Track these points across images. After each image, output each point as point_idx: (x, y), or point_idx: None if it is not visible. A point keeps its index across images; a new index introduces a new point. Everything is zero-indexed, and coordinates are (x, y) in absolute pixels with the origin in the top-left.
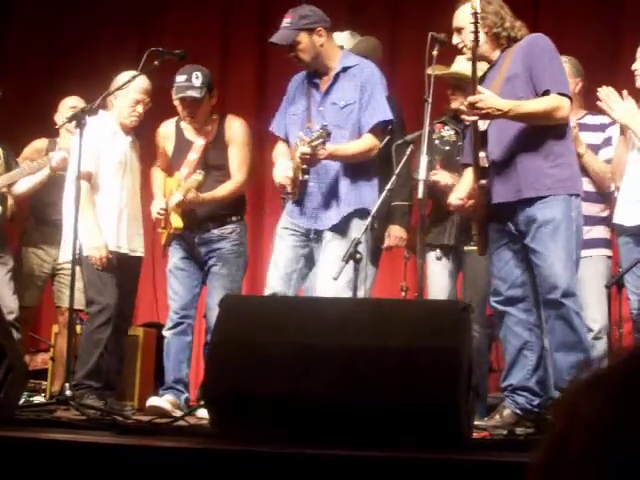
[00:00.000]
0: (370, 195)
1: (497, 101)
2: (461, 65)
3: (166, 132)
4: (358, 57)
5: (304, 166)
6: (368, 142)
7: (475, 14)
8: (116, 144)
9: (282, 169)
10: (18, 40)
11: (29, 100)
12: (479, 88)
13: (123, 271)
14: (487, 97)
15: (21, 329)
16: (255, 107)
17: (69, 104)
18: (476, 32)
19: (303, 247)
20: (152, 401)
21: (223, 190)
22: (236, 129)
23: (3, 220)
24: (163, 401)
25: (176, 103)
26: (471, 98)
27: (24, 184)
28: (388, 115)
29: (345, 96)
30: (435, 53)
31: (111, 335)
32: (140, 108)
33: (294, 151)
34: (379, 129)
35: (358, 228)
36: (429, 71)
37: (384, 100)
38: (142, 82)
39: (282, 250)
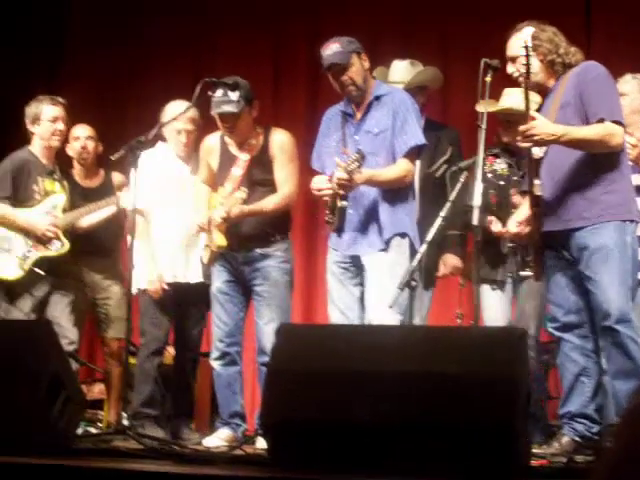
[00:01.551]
0: (408, 219)
1: (550, 127)
2: (511, 99)
3: (210, 146)
4: (389, 86)
5: (340, 189)
6: (403, 167)
7: (526, 47)
8: (173, 175)
9: (318, 179)
10: (70, 70)
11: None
12: (532, 114)
13: (184, 301)
14: (540, 123)
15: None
16: (306, 130)
17: (74, 134)
18: (528, 64)
19: (354, 278)
20: (208, 442)
21: (268, 203)
22: (281, 143)
23: (67, 254)
24: (218, 440)
25: (215, 118)
26: (523, 127)
27: (89, 220)
28: (421, 140)
29: (378, 123)
30: (488, 79)
31: (176, 365)
32: (183, 138)
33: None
34: (413, 154)
35: (399, 252)
36: (479, 108)
37: (417, 125)
38: (186, 112)
39: (337, 287)
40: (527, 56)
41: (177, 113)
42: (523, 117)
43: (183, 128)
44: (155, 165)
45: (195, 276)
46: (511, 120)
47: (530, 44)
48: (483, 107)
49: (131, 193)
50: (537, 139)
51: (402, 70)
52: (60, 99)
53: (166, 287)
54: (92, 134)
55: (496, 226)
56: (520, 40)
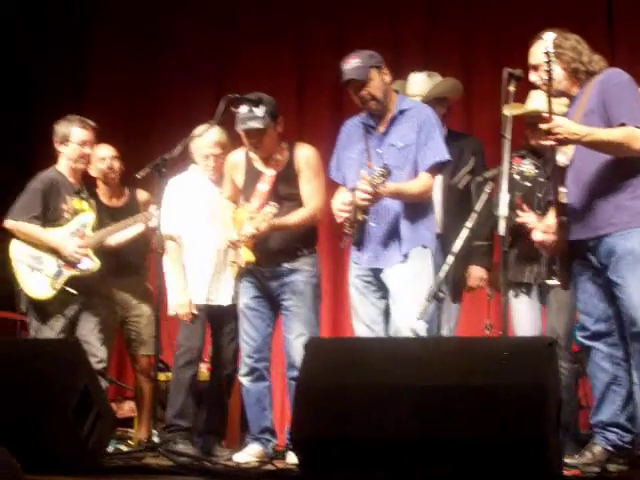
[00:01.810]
0: (428, 233)
1: (573, 126)
2: (536, 102)
3: (235, 162)
4: (413, 100)
5: (364, 202)
6: (426, 182)
7: (547, 54)
8: (204, 198)
9: (341, 196)
10: (93, 88)
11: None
12: (555, 117)
13: (217, 322)
14: (563, 122)
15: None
16: (330, 144)
17: (99, 154)
18: (549, 71)
19: (378, 291)
20: (238, 458)
21: (295, 217)
22: (307, 158)
23: (97, 273)
24: (249, 456)
25: (241, 134)
26: (546, 125)
27: (118, 238)
28: (445, 156)
29: (403, 137)
30: (512, 89)
31: (211, 382)
32: (211, 162)
33: (353, 192)
34: (436, 169)
35: (421, 261)
36: (505, 112)
37: (441, 141)
38: (212, 136)
39: (361, 302)
40: (549, 62)
41: (206, 138)
42: (547, 119)
43: (210, 153)
44: (186, 189)
45: (227, 298)
46: (538, 123)
47: (552, 50)
48: (509, 110)
49: (160, 214)
50: (560, 138)
51: (420, 82)
52: (90, 122)
53: (196, 312)
54: (116, 154)
55: (525, 217)
56: (542, 48)
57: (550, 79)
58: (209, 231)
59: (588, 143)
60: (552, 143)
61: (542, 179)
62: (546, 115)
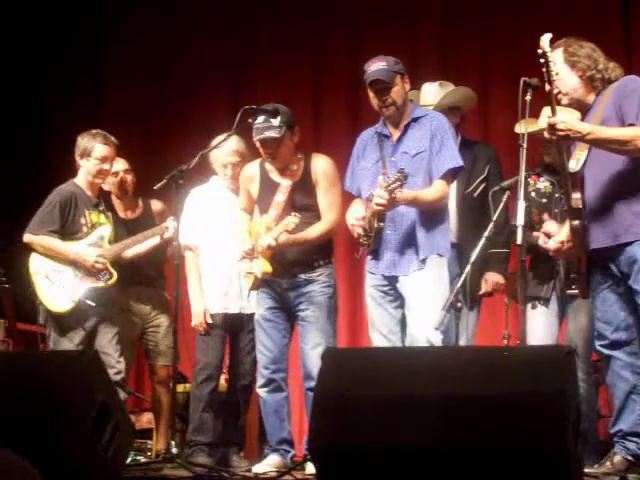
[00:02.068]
0: (443, 241)
1: (577, 123)
2: (543, 120)
3: (250, 174)
4: (426, 109)
5: (380, 207)
6: (441, 189)
7: (544, 54)
8: (223, 207)
9: (354, 211)
10: (113, 99)
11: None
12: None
13: (235, 330)
14: (567, 118)
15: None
16: (347, 155)
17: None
18: (548, 71)
19: (394, 301)
20: (257, 469)
21: (314, 231)
22: (323, 168)
23: (115, 285)
24: (267, 466)
25: (257, 145)
26: (551, 120)
27: (135, 251)
28: (459, 162)
29: (416, 145)
30: (528, 98)
31: (228, 393)
32: (229, 171)
33: (369, 201)
34: (450, 176)
35: (438, 270)
36: (518, 129)
37: (454, 148)
38: (230, 144)
39: (377, 311)
40: (547, 62)
41: (225, 148)
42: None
43: (228, 161)
44: (207, 199)
45: (249, 306)
46: (551, 140)
47: (548, 50)
48: (522, 127)
49: (179, 227)
50: (563, 134)
51: (432, 92)
52: (112, 138)
53: (210, 321)
54: (128, 166)
55: (548, 226)
56: (556, 59)
57: (550, 78)
58: (229, 240)
59: (592, 141)
60: (553, 137)
61: (558, 195)
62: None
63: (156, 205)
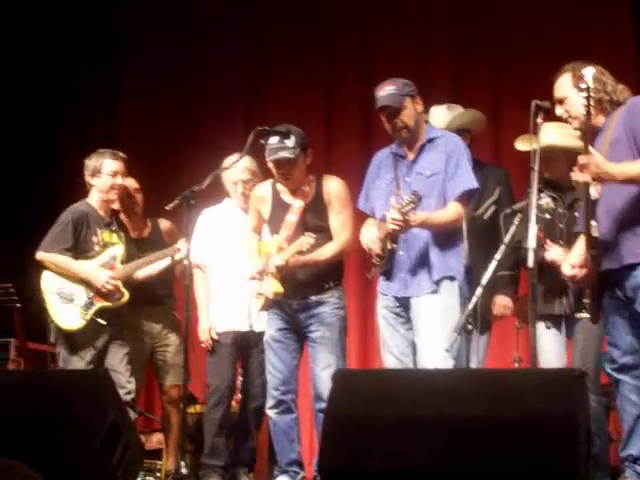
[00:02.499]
0: (456, 263)
1: (607, 165)
2: (550, 135)
3: (262, 194)
4: (441, 130)
5: (394, 228)
6: (455, 210)
7: (587, 89)
8: (235, 227)
9: (369, 233)
10: (126, 120)
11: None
12: (591, 149)
13: (246, 349)
14: (598, 161)
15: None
16: (359, 176)
17: None
18: (588, 106)
19: (406, 323)
20: None
21: (326, 252)
22: (335, 190)
23: (126, 304)
24: None
25: (270, 165)
26: (582, 159)
27: (146, 271)
28: (474, 184)
29: (431, 166)
30: (539, 121)
31: (240, 414)
32: (240, 188)
33: (382, 221)
34: (465, 197)
35: (449, 294)
36: (519, 146)
37: (470, 169)
38: (241, 163)
39: (389, 333)
40: (588, 97)
41: (236, 167)
42: (564, 153)
43: (239, 179)
44: (217, 220)
45: (259, 324)
46: (551, 157)
47: (591, 85)
48: (523, 144)
49: (188, 246)
50: (594, 176)
51: (440, 115)
52: (121, 154)
53: (215, 337)
54: (137, 186)
55: (552, 252)
56: (567, 82)
57: (589, 113)
58: (239, 260)
59: (624, 180)
60: (585, 178)
61: (561, 210)
62: (585, 149)
63: (164, 224)
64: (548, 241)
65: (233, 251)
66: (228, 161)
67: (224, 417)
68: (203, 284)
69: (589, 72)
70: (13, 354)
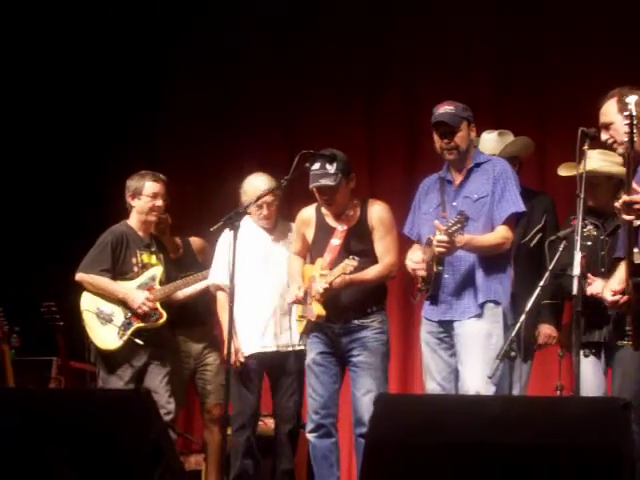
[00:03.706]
0: (501, 288)
1: None
2: (592, 162)
3: (306, 218)
4: (489, 155)
5: (440, 250)
6: (502, 234)
7: (630, 116)
8: (256, 247)
9: (414, 256)
10: (165, 141)
11: (178, 202)
12: (635, 187)
13: (274, 374)
14: None
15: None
16: (403, 200)
17: None
18: (631, 133)
19: (450, 349)
20: None
21: (371, 273)
22: (379, 214)
23: (164, 326)
24: None
25: (313, 191)
26: (627, 198)
27: (186, 292)
28: (521, 207)
29: (478, 189)
30: (586, 148)
31: (275, 437)
32: (265, 210)
33: (427, 245)
34: (512, 221)
35: (493, 320)
36: (561, 172)
37: (517, 193)
38: (261, 184)
39: (432, 359)
40: (631, 124)
41: (258, 187)
42: (607, 179)
43: (263, 201)
44: (239, 241)
45: (287, 344)
46: (594, 183)
47: (634, 112)
48: (565, 171)
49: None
50: (637, 213)
51: (491, 142)
52: (162, 176)
53: (242, 359)
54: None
55: (594, 287)
56: (612, 108)
57: (632, 142)
58: (262, 279)
59: None
60: (631, 218)
61: (603, 237)
62: (627, 185)
63: (196, 243)
64: (590, 275)
65: (255, 272)
66: (253, 181)
67: (249, 441)
68: (225, 306)
69: (633, 99)
70: (55, 372)
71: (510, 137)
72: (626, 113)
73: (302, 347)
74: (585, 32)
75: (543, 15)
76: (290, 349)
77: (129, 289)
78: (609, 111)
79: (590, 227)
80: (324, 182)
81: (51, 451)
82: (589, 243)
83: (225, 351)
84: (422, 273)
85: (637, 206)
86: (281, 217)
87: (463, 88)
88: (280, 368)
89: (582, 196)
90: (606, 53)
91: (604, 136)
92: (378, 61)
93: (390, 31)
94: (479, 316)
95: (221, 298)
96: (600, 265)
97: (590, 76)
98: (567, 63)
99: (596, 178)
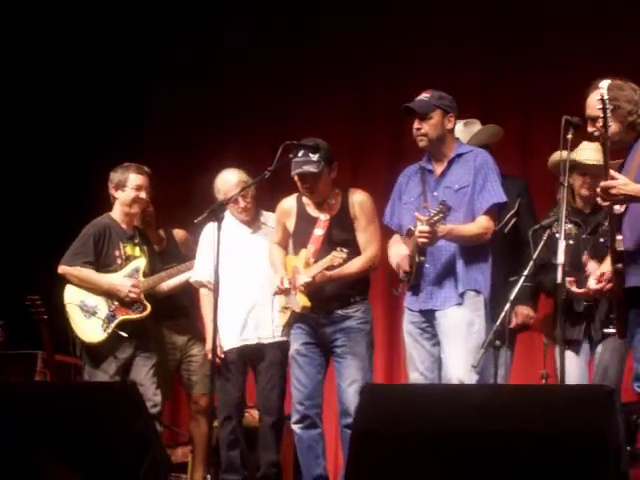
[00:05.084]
0: (483, 277)
1: (630, 187)
2: (586, 153)
3: (287, 208)
4: (470, 146)
5: (422, 240)
6: (483, 224)
7: (602, 100)
8: (236, 241)
9: (398, 251)
10: (150, 135)
11: (164, 195)
12: (612, 173)
13: (256, 362)
14: (621, 183)
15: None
16: (387, 190)
17: None
18: (605, 118)
19: (432, 338)
20: None
21: (352, 266)
22: (361, 203)
23: (149, 318)
24: None
25: (295, 179)
26: (604, 183)
27: (170, 284)
28: (502, 198)
29: (459, 180)
30: (569, 137)
31: (260, 429)
32: (242, 203)
33: (408, 236)
34: (494, 212)
35: (474, 309)
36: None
37: (498, 183)
38: (232, 178)
39: (415, 349)
40: (604, 109)
41: (229, 181)
42: (601, 171)
43: (236, 194)
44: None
45: (268, 336)
46: (588, 173)
47: (607, 97)
48: (559, 163)
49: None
50: (617, 199)
51: (458, 133)
52: (146, 168)
53: (222, 356)
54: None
55: (589, 267)
56: (598, 97)
57: (606, 129)
58: (241, 272)
59: None
60: (608, 204)
61: (585, 235)
62: (605, 171)
63: (178, 234)
64: (585, 257)
65: (235, 265)
66: (225, 176)
67: (234, 432)
68: (209, 303)
69: (605, 83)
70: (40, 366)
71: (477, 126)
72: (597, 97)
73: (284, 338)
74: (577, 21)
75: (529, 9)
76: (272, 340)
77: (113, 279)
78: (594, 104)
79: (571, 225)
80: (306, 169)
81: (37, 445)
82: (571, 242)
83: (208, 345)
84: (406, 268)
85: (613, 190)
86: (263, 209)
87: (447, 79)
88: (262, 360)
89: (565, 185)
90: (590, 45)
91: (590, 128)
92: (363, 54)
93: (377, 24)
94: (460, 305)
95: (204, 295)
96: (582, 265)
97: (577, 64)
98: (553, 50)
99: (590, 169)
